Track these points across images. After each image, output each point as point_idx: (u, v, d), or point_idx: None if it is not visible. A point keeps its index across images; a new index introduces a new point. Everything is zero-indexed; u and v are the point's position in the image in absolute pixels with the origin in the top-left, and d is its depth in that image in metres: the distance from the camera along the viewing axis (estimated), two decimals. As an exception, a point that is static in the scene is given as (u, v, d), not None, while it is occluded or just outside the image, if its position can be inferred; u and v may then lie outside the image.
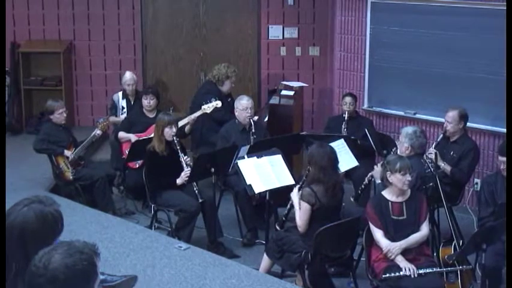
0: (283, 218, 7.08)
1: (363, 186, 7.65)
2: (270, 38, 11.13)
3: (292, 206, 6.67)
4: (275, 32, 11.11)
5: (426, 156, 7.47)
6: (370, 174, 7.45)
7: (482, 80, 8.71)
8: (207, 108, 8.97)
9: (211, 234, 7.70)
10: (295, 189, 6.62)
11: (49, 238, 3.06)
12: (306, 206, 6.42)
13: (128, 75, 9.76)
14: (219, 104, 9.00)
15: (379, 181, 6.77)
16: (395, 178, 6.20)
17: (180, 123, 8.56)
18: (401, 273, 6.02)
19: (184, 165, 7.73)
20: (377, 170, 7.01)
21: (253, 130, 8.38)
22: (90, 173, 8.60)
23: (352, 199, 7.89)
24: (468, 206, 8.84)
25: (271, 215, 7.54)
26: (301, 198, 6.44)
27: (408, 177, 6.18)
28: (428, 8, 9.11)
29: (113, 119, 9.57)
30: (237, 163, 7.30)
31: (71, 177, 8.44)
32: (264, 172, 7.24)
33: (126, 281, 3.65)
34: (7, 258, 3.12)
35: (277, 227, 7.18)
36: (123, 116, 9.56)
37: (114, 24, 11.21)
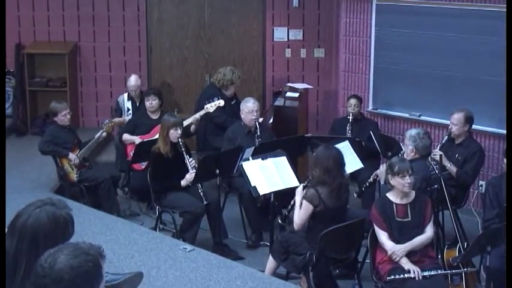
0: (286, 213, 7.09)
1: (367, 184, 7.67)
2: (275, 39, 11.13)
3: (295, 202, 6.67)
4: (280, 33, 11.10)
5: (431, 158, 7.47)
6: (375, 173, 7.47)
7: (488, 82, 8.70)
8: (210, 107, 8.99)
9: (216, 236, 7.71)
10: (300, 187, 6.62)
11: (59, 241, 3.06)
12: (307, 206, 6.42)
13: (133, 81, 9.73)
14: (221, 103, 9.02)
15: (384, 182, 6.78)
16: (396, 181, 6.22)
17: (184, 124, 8.53)
18: (406, 275, 6.03)
19: (189, 167, 7.73)
20: (382, 170, 7.02)
21: (258, 133, 8.38)
22: (95, 174, 8.61)
23: (355, 195, 7.91)
24: (473, 208, 8.83)
25: (276, 217, 7.54)
26: (305, 198, 6.44)
27: (408, 180, 6.17)
28: (433, 10, 9.11)
29: (117, 119, 9.58)
30: (241, 165, 7.31)
31: (76, 178, 8.46)
32: (269, 174, 7.25)
33: (131, 277, 3.64)
34: (17, 257, 3.12)
35: (280, 221, 7.19)
36: (128, 118, 9.57)
37: (119, 25, 11.22)
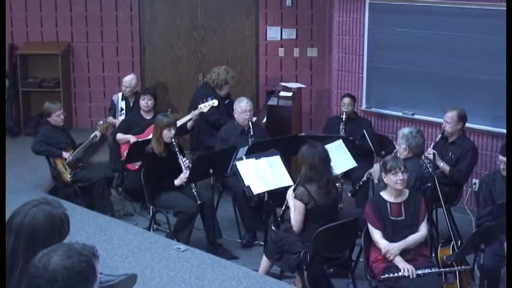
0: (279, 218, 7.10)
1: (361, 183, 7.67)
2: (268, 39, 11.14)
3: (287, 206, 6.68)
4: (273, 33, 11.11)
5: (425, 156, 7.48)
6: (368, 171, 7.47)
7: (481, 81, 8.71)
8: (204, 107, 8.99)
9: (210, 236, 7.71)
10: (290, 190, 6.63)
11: (56, 240, 3.06)
12: (300, 205, 6.43)
13: (127, 79, 9.71)
14: (215, 103, 9.02)
15: (377, 181, 6.79)
16: (388, 178, 6.23)
17: (178, 123, 8.52)
18: (399, 273, 6.03)
19: (183, 167, 7.73)
20: (375, 169, 7.03)
21: (251, 132, 8.38)
22: (88, 175, 8.60)
23: (349, 194, 7.91)
24: (466, 207, 8.85)
25: (270, 216, 7.54)
26: (295, 197, 6.45)
27: (400, 176, 6.18)
28: (426, 9, 9.12)
29: (110, 120, 9.57)
30: (235, 164, 7.31)
31: (69, 178, 8.45)
32: (263, 173, 7.25)
33: (124, 279, 3.64)
34: (13, 257, 3.12)
35: (273, 227, 7.20)
36: (121, 118, 9.56)
37: (112, 26, 11.21)
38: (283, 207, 6.87)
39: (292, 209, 6.52)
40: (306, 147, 6.63)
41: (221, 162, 7.79)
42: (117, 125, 9.50)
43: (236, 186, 7.84)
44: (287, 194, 6.66)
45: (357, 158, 7.91)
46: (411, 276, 6.01)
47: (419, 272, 6.04)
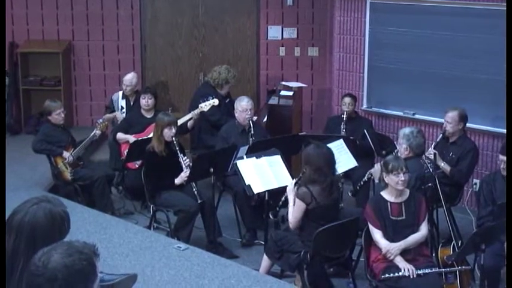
0: (277, 208, 7.09)
1: (361, 183, 7.66)
2: (269, 38, 11.13)
3: (287, 199, 6.66)
4: (274, 32, 11.11)
5: (425, 156, 7.47)
6: (369, 171, 7.47)
7: (482, 81, 8.71)
8: (205, 106, 8.98)
9: (210, 235, 7.70)
10: (291, 185, 6.60)
11: (56, 238, 3.06)
12: (300, 204, 6.40)
13: (128, 77, 9.69)
14: (216, 102, 9.01)
15: (378, 181, 6.79)
16: (390, 179, 6.22)
17: (179, 122, 8.51)
18: (400, 273, 6.03)
19: (184, 166, 7.72)
20: (376, 168, 7.02)
21: (252, 132, 8.37)
22: (89, 173, 8.60)
23: (350, 193, 7.90)
24: (467, 207, 8.84)
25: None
26: (297, 196, 6.43)
27: (401, 177, 6.17)
28: (427, 9, 9.11)
29: (107, 116, 9.56)
30: (236, 163, 7.30)
31: (70, 177, 8.45)
32: (263, 172, 7.24)
33: (125, 279, 3.64)
34: (14, 255, 3.12)
35: (271, 216, 7.18)
36: (121, 115, 9.55)
37: (113, 24, 11.21)
38: (283, 198, 6.85)
39: (291, 203, 6.51)
40: (312, 147, 6.57)
41: (222, 161, 7.78)
42: (112, 115, 9.50)
43: (236, 185, 7.84)
44: (287, 188, 6.63)
45: (357, 158, 7.91)
46: (411, 276, 6.00)
47: (420, 272, 6.04)
